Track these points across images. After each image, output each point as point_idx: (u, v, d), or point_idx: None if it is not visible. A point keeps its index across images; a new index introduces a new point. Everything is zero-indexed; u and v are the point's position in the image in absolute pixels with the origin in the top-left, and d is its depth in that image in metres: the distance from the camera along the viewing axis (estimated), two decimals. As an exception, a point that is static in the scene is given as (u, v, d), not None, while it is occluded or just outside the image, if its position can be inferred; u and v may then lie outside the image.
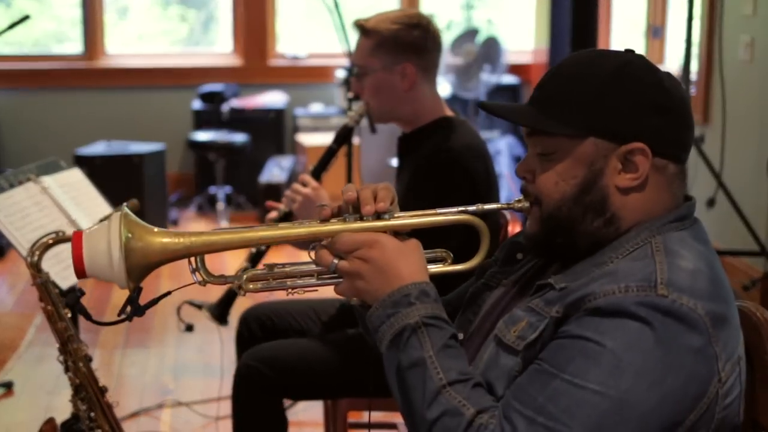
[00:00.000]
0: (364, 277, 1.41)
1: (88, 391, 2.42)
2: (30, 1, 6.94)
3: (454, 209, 1.49)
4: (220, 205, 6.08)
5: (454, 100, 6.24)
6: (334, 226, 1.44)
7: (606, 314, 1.31)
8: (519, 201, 1.50)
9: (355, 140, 4.38)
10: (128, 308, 1.40)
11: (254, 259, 2.69)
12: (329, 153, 2.66)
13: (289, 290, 1.45)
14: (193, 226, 6.17)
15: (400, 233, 1.46)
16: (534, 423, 1.29)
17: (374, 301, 1.41)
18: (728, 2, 4.61)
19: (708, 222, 5.61)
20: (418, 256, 1.45)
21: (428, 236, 1.52)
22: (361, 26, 2.52)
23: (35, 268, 2.34)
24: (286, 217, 2.61)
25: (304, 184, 2.56)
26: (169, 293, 1.49)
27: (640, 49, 6.02)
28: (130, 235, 1.35)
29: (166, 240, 1.37)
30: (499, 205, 1.51)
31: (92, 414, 2.44)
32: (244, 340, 2.71)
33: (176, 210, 6.32)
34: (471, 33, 6.36)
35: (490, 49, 6.32)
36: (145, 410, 3.58)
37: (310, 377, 2.46)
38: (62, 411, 2.62)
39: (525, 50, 6.81)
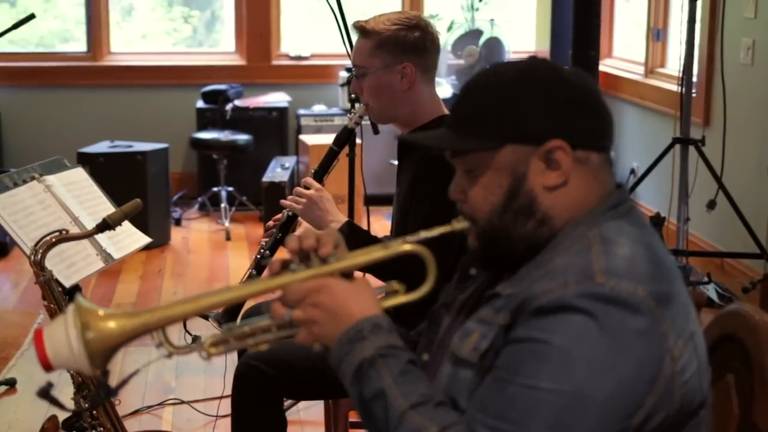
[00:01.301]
0: (318, 322, 1.43)
1: (90, 388, 2.43)
2: (35, 0, 6.96)
3: (399, 240, 1.49)
4: (223, 205, 6.09)
5: (456, 100, 6.24)
6: (282, 278, 1.45)
7: (549, 312, 1.33)
8: (458, 221, 1.51)
9: (358, 140, 4.38)
10: (100, 392, 1.45)
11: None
12: (330, 155, 2.68)
13: (251, 348, 1.47)
14: (196, 226, 6.20)
15: (348, 274, 1.48)
16: (497, 430, 1.31)
17: (332, 343, 1.43)
18: (729, 5, 4.62)
19: (708, 224, 5.62)
20: (367, 293, 1.47)
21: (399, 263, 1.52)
22: (361, 27, 2.53)
23: (38, 266, 2.36)
24: (290, 221, 2.63)
25: (307, 188, 2.58)
26: (137, 372, 1.53)
27: (641, 51, 6.04)
28: (85, 326, 1.38)
29: (122, 322, 1.40)
30: (441, 230, 1.51)
31: (94, 412, 2.45)
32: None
33: (179, 209, 6.33)
34: (473, 34, 6.37)
35: (493, 50, 6.33)
36: (147, 408, 3.60)
37: (310, 376, 2.47)
38: (65, 408, 2.63)
39: (527, 51, 6.81)
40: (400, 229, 2.56)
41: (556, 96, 1.44)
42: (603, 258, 1.36)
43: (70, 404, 2.49)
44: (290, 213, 2.63)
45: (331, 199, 2.58)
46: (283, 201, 2.65)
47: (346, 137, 2.69)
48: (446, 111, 2.62)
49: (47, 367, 1.39)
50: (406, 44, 2.50)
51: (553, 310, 1.33)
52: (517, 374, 1.32)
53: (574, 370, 1.30)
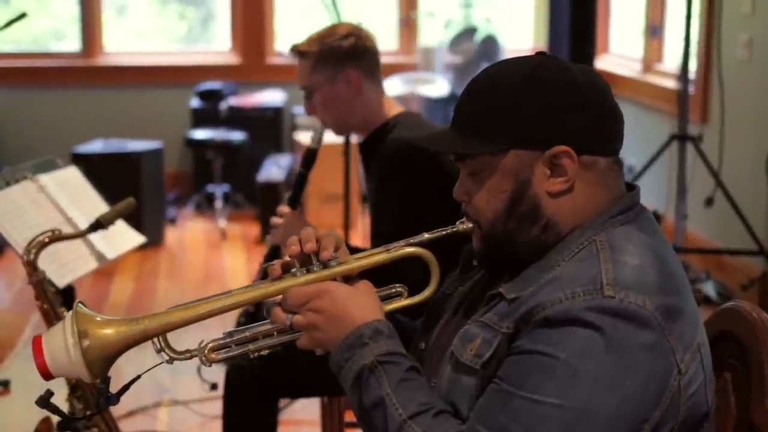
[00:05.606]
0: (319, 327, 1.42)
1: (84, 389, 2.41)
2: (28, -1, 6.94)
3: (402, 242, 1.49)
4: (218, 204, 6.08)
5: (452, 98, 6.23)
6: (283, 283, 1.44)
7: (555, 324, 1.31)
8: (462, 222, 1.50)
9: (353, 138, 4.37)
10: (100, 400, 1.44)
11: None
12: (300, 179, 2.68)
13: (253, 353, 1.46)
14: (191, 225, 6.18)
15: (350, 277, 1.47)
16: None
17: (333, 349, 1.42)
18: (727, 1, 4.60)
19: (706, 221, 5.60)
20: (369, 297, 1.46)
21: (397, 268, 1.52)
22: (297, 50, 2.58)
23: (31, 266, 2.34)
24: (275, 251, 2.64)
25: (281, 216, 2.60)
26: (139, 377, 1.51)
27: (638, 47, 6.02)
28: (83, 333, 1.37)
29: (122, 329, 1.39)
30: (445, 231, 1.50)
31: (88, 412, 2.43)
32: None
33: (174, 208, 6.31)
34: (469, 31, 6.36)
35: (489, 48, 6.31)
36: (142, 409, 3.58)
37: (302, 374, 2.47)
38: (58, 409, 2.62)
39: (523, 49, 6.80)
40: (374, 232, 2.56)
41: (562, 100, 1.40)
42: (611, 268, 1.34)
43: (65, 405, 2.47)
44: (273, 244, 2.65)
45: (303, 219, 2.60)
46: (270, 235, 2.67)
47: (311, 158, 2.70)
48: (399, 109, 2.63)
49: (46, 375, 1.38)
50: (342, 53, 2.53)
51: (560, 323, 1.30)
52: (521, 387, 1.30)
53: (580, 386, 1.28)
